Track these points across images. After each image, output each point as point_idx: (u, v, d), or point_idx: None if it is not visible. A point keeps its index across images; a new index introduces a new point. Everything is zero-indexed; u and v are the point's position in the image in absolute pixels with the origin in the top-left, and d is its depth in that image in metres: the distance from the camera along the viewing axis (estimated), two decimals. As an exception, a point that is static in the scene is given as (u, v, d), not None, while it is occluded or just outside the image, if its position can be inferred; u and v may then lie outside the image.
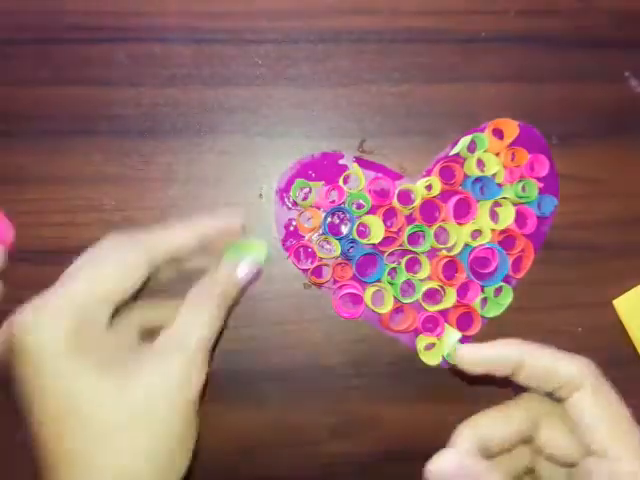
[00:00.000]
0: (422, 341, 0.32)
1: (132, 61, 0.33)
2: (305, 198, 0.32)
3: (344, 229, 0.32)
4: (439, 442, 0.32)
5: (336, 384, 0.32)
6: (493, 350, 0.23)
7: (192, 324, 0.25)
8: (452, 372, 0.31)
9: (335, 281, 0.32)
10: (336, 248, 0.32)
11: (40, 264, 0.32)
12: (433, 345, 0.32)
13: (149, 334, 0.27)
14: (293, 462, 0.32)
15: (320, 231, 0.32)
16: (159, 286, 0.27)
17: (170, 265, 0.27)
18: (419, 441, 0.32)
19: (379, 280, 0.32)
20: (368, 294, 0.32)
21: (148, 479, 0.22)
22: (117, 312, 0.25)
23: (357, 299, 0.32)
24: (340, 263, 0.32)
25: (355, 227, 0.32)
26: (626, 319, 0.32)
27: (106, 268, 0.24)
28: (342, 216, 0.32)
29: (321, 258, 0.32)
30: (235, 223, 0.28)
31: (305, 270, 0.32)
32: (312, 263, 0.32)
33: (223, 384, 0.32)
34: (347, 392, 0.32)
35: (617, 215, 0.33)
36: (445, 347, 0.31)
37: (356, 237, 0.32)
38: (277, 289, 0.33)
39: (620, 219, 0.33)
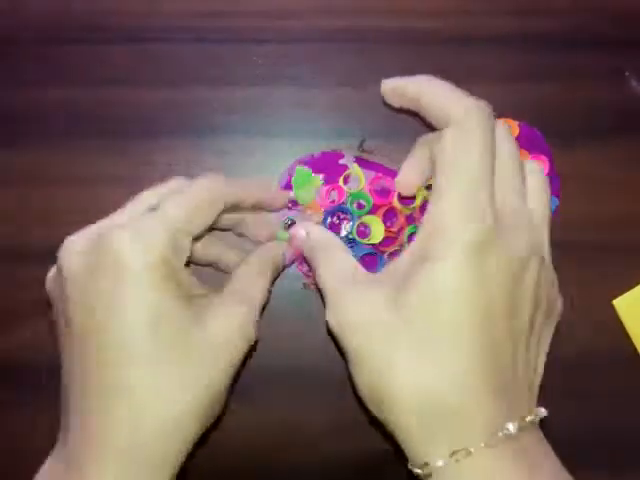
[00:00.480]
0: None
1: (132, 61, 0.33)
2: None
3: (344, 229, 0.32)
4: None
5: (336, 384, 0.32)
6: (403, 79, 0.27)
7: (252, 287, 0.27)
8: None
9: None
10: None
11: (40, 264, 0.32)
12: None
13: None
14: (293, 462, 0.32)
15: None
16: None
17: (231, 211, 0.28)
18: (419, 441, 0.32)
19: (379, 280, 0.32)
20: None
21: (189, 416, 0.23)
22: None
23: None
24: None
25: (355, 227, 0.32)
26: (626, 319, 0.32)
27: (195, 199, 0.25)
28: (342, 216, 0.32)
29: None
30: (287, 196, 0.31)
31: (306, 274, 0.32)
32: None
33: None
34: (347, 392, 0.32)
35: (617, 215, 0.33)
36: None
37: (356, 237, 0.32)
38: (277, 289, 0.33)
39: (620, 219, 0.33)
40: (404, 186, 0.29)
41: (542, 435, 0.24)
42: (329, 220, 0.32)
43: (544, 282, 0.24)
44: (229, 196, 0.27)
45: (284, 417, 0.32)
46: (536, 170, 0.26)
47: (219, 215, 0.26)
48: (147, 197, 0.27)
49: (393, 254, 0.32)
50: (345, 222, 0.32)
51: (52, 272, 0.26)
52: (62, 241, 0.32)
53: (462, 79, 0.34)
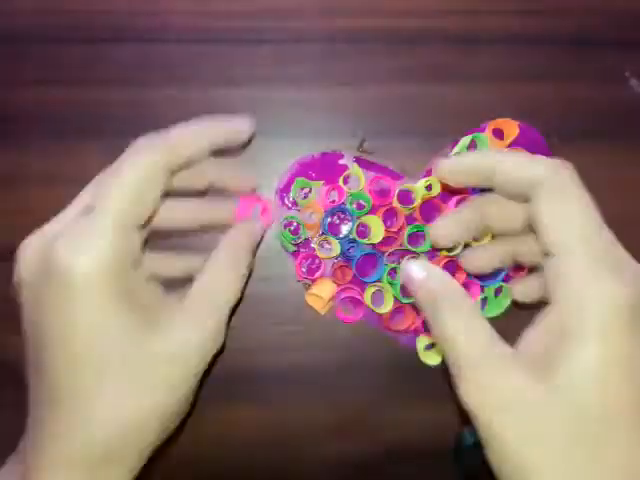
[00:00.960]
0: (422, 341, 0.32)
1: (132, 61, 0.33)
2: (305, 198, 0.32)
3: (344, 229, 0.32)
4: (439, 442, 0.32)
5: (336, 384, 0.32)
6: (469, 157, 0.25)
7: (221, 285, 0.25)
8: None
9: (335, 284, 0.32)
10: (336, 248, 0.32)
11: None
12: (433, 345, 0.32)
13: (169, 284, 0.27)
14: (293, 462, 0.32)
15: (320, 231, 0.32)
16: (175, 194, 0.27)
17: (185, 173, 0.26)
18: (419, 441, 0.32)
19: (379, 280, 0.32)
20: (368, 294, 0.32)
21: (151, 428, 0.23)
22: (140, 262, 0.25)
23: (357, 301, 0.32)
24: (341, 266, 0.32)
25: (355, 227, 0.32)
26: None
27: (130, 186, 0.23)
28: (342, 216, 0.32)
29: (321, 258, 0.32)
30: (244, 124, 0.28)
31: (306, 276, 0.32)
32: (312, 264, 0.32)
33: (223, 384, 0.32)
34: (347, 392, 0.32)
35: (617, 215, 0.33)
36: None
37: (356, 237, 0.32)
38: (277, 289, 0.33)
39: (620, 219, 0.33)
40: (441, 237, 0.27)
41: None
42: (329, 220, 0.32)
43: None
44: (168, 159, 0.24)
45: (284, 417, 0.32)
46: None
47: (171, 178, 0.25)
48: (84, 198, 0.25)
49: (393, 254, 0.32)
50: (345, 222, 0.32)
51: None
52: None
53: (462, 79, 0.34)
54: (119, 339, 0.22)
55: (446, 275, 0.24)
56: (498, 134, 0.33)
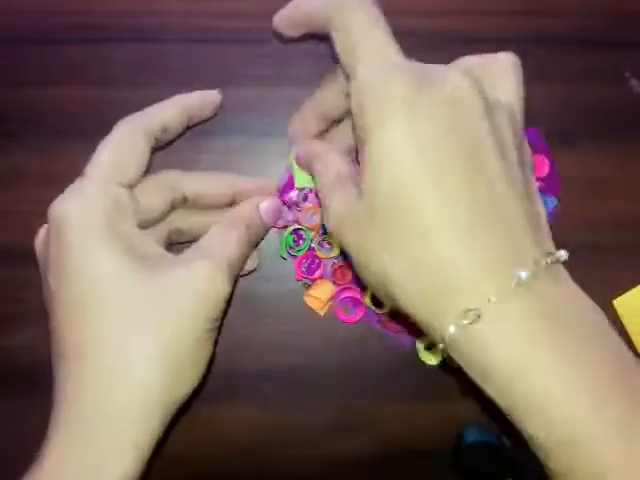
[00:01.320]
0: (422, 341, 0.32)
1: (132, 61, 0.33)
2: (305, 198, 0.32)
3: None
4: (439, 442, 0.32)
5: (336, 384, 0.32)
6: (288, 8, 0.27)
7: (219, 241, 0.26)
8: (453, 372, 0.32)
9: (335, 284, 0.32)
10: (335, 248, 0.32)
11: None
12: (433, 345, 0.32)
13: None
14: (293, 462, 0.32)
15: (320, 231, 0.32)
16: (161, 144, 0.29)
17: (165, 134, 0.29)
18: (419, 441, 0.32)
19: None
20: (368, 294, 0.32)
21: (154, 378, 0.22)
22: (146, 224, 0.26)
23: (357, 301, 0.32)
24: (340, 266, 0.32)
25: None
26: (626, 319, 0.32)
27: (111, 150, 0.26)
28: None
29: (321, 258, 0.32)
30: (212, 96, 0.31)
31: (306, 276, 0.32)
32: (312, 264, 0.32)
33: (223, 384, 0.32)
34: (347, 392, 0.32)
35: (617, 215, 0.33)
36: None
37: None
38: (277, 289, 0.33)
39: (620, 219, 0.33)
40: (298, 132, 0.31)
41: (566, 275, 0.22)
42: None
43: (496, 113, 0.22)
44: (149, 132, 0.27)
45: (284, 417, 0.32)
46: None
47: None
48: None
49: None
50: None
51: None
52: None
53: (462, 79, 0.34)
54: (113, 276, 0.23)
55: (316, 142, 0.29)
56: (498, 134, 0.33)
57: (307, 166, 0.29)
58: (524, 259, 0.20)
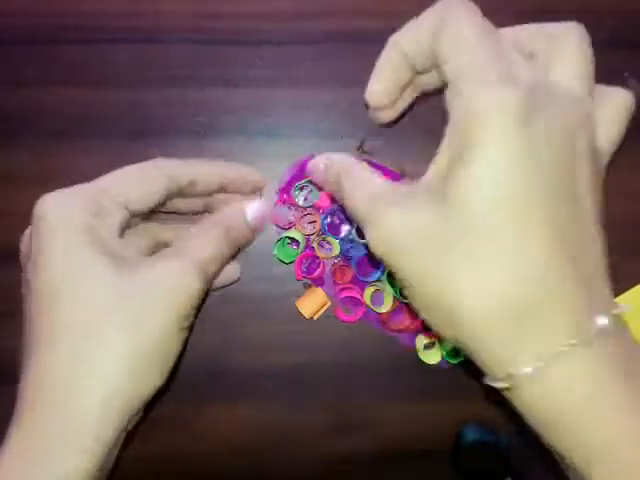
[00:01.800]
0: (422, 341, 0.32)
1: (132, 61, 0.33)
2: (306, 198, 0.32)
3: (344, 229, 0.32)
4: (438, 441, 0.32)
5: (336, 384, 0.32)
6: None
7: (194, 242, 0.26)
8: (452, 372, 0.32)
9: (335, 283, 0.32)
10: (335, 248, 0.32)
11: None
12: (433, 344, 0.32)
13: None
14: (293, 462, 0.32)
15: (320, 231, 0.32)
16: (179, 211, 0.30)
17: (188, 191, 0.28)
18: (418, 440, 0.33)
19: (379, 280, 0.32)
20: (368, 294, 0.32)
21: (119, 372, 0.22)
22: (130, 226, 0.27)
23: (357, 301, 0.32)
24: (341, 265, 0.32)
25: (355, 227, 0.32)
26: (626, 319, 0.32)
27: (127, 176, 0.26)
28: (342, 216, 0.32)
29: (321, 258, 0.32)
30: (258, 176, 0.30)
31: (306, 276, 0.32)
32: (312, 263, 0.32)
33: (223, 384, 0.32)
34: (347, 392, 0.32)
35: (617, 215, 0.33)
36: (445, 345, 0.31)
37: (356, 237, 0.32)
38: (277, 289, 0.33)
39: (620, 219, 0.33)
40: (374, 99, 0.27)
41: (629, 331, 0.21)
42: (329, 220, 0.32)
43: (591, 157, 0.21)
44: (174, 177, 0.27)
45: (284, 417, 0.32)
46: (564, 37, 0.23)
47: (173, 194, 0.27)
48: None
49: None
50: (345, 222, 0.32)
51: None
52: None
53: (462, 79, 0.34)
54: (85, 270, 0.23)
55: (343, 155, 0.27)
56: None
57: (328, 181, 0.27)
58: (602, 305, 0.20)
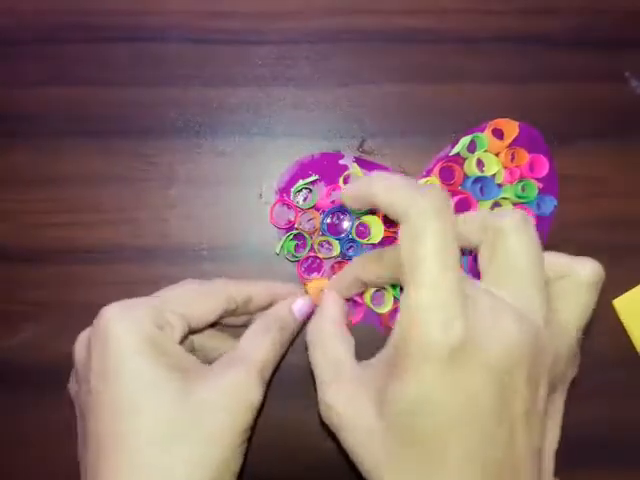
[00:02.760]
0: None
1: (132, 61, 0.33)
2: (305, 199, 0.32)
3: (343, 229, 0.32)
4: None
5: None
6: (352, 187, 0.24)
7: (252, 346, 0.26)
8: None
9: None
10: (335, 248, 0.32)
11: (40, 264, 0.32)
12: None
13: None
14: (293, 462, 0.32)
15: (320, 232, 0.32)
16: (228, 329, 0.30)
17: (242, 309, 0.29)
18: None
19: (379, 280, 0.32)
20: (368, 294, 0.32)
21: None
22: (186, 338, 0.26)
23: (357, 301, 0.32)
24: (339, 262, 0.32)
25: (354, 227, 0.32)
26: (626, 319, 0.32)
27: (190, 291, 0.27)
28: (342, 216, 0.32)
29: (321, 258, 0.32)
30: (302, 291, 0.31)
31: (306, 276, 0.32)
32: (312, 264, 0.32)
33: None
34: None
35: (617, 215, 0.33)
36: None
37: (355, 237, 0.32)
38: (277, 289, 0.33)
39: (620, 219, 0.33)
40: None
41: None
42: (328, 220, 0.32)
43: (541, 362, 0.21)
44: (231, 297, 0.28)
45: (284, 417, 0.32)
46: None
47: (229, 312, 0.28)
48: None
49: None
50: (344, 223, 0.32)
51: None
52: (60, 241, 0.33)
53: (462, 79, 0.34)
54: (151, 385, 0.23)
55: (317, 316, 0.28)
56: (498, 134, 0.33)
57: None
58: None
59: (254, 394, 0.25)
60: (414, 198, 0.21)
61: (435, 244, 0.20)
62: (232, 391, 0.24)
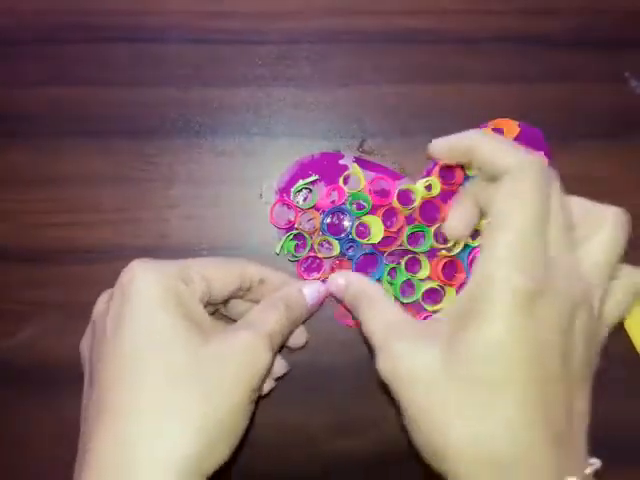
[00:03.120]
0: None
1: (132, 61, 0.33)
2: (305, 199, 0.33)
3: (343, 229, 0.32)
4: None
5: (336, 384, 0.32)
6: (454, 137, 0.27)
7: (260, 317, 0.27)
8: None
9: None
10: (335, 248, 0.32)
11: (40, 264, 0.32)
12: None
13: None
14: (293, 462, 0.32)
15: (320, 232, 0.32)
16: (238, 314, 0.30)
17: (254, 291, 0.30)
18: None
19: (379, 280, 0.32)
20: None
21: (188, 444, 0.22)
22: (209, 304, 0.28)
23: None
24: (339, 260, 0.32)
25: (354, 227, 0.32)
26: (626, 319, 0.32)
27: (211, 260, 0.28)
28: (342, 216, 0.32)
29: (321, 258, 0.32)
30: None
31: (306, 276, 0.32)
32: (312, 264, 0.32)
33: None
34: (347, 392, 0.32)
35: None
36: None
37: (356, 237, 0.32)
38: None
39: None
40: (451, 234, 0.30)
41: None
42: (328, 220, 0.32)
43: (588, 333, 0.23)
44: (253, 271, 0.29)
45: (284, 417, 0.32)
46: (606, 224, 0.24)
47: (243, 290, 0.29)
48: None
49: (393, 254, 0.32)
50: (344, 223, 0.32)
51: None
52: (61, 241, 0.33)
53: (462, 79, 0.34)
54: (168, 334, 0.23)
55: (363, 278, 0.29)
56: (498, 134, 0.33)
57: (345, 298, 0.29)
58: (575, 465, 0.22)
59: (263, 357, 0.25)
60: (518, 155, 0.23)
61: (533, 201, 0.22)
62: (243, 350, 0.24)
